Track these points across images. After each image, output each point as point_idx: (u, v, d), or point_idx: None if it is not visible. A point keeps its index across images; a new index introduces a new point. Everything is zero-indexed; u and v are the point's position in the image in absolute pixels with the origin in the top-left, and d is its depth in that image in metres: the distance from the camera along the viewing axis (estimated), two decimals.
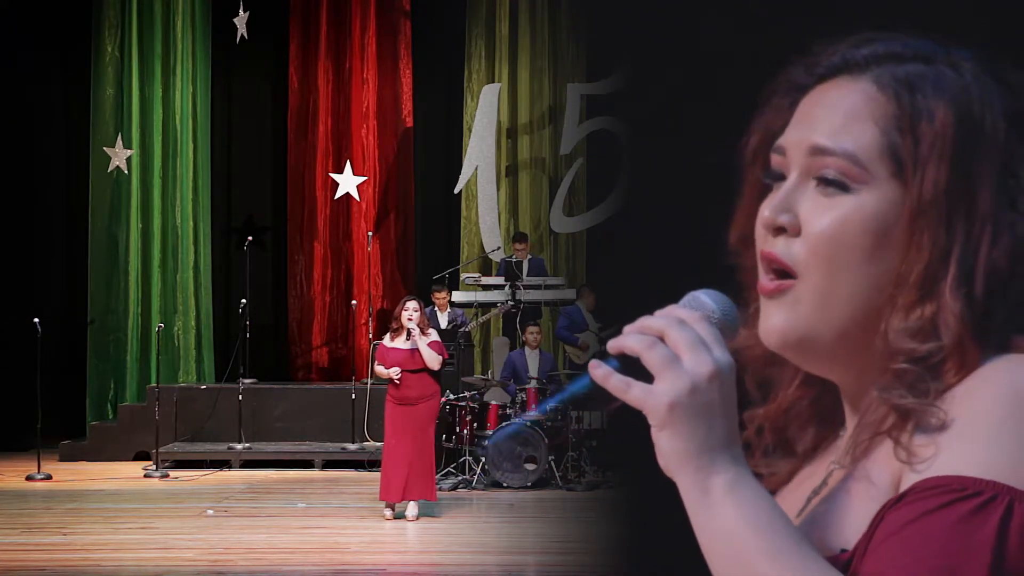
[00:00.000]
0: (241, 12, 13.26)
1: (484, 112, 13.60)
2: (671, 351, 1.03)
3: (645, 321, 1.06)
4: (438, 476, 10.31)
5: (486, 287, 12.64)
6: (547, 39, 14.03)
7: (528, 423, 10.24)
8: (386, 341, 9.01)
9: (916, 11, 1.20)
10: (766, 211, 1.13)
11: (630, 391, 1.03)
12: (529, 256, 12.80)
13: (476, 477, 10.32)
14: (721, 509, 1.01)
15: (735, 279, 1.20)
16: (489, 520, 9.22)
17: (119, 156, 13.55)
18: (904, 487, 1.02)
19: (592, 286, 11.98)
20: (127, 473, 11.36)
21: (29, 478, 10.93)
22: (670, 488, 1.05)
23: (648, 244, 1.88)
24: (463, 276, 12.97)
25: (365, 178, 13.95)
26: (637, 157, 1.94)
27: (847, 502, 1.08)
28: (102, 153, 13.64)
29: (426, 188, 14.56)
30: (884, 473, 1.06)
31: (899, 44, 1.15)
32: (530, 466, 10.25)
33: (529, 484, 10.19)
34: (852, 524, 1.06)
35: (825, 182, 1.11)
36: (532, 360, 11.16)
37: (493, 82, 13.90)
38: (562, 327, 11.83)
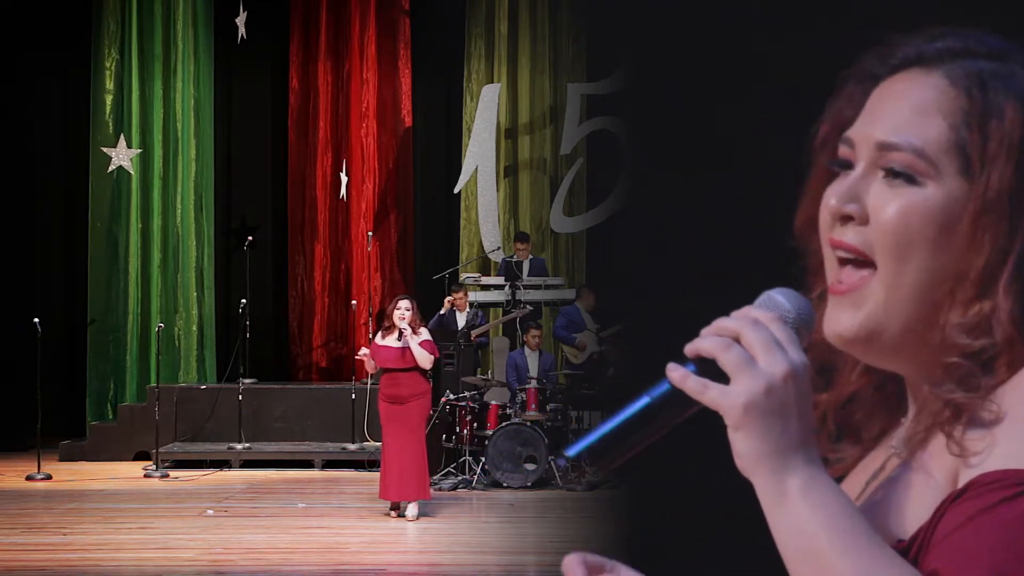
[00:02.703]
0: (241, 12, 13.27)
1: (484, 112, 13.60)
2: (747, 352, 1.04)
3: (721, 323, 1.07)
4: (438, 476, 10.33)
5: (486, 287, 12.64)
6: (547, 39, 14.03)
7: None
8: (377, 339, 9.03)
9: (988, 10, 1.21)
10: (832, 199, 1.14)
11: (707, 392, 1.04)
12: (530, 256, 12.80)
13: (476, 477, 10.32)
14: (796, 510, 1.02)
15: (799, 263, 1.22)
16: (489, 520, 9.22)
17: (122, 156, 13.56)
18: (962, 482, 1.03)
19: (591, 286, 11.99)
20: (127, 473, 11.36)
21: (29, 478, 10.93)
22: (670, 488, 1.05)
23: (648, 244, 1.89)
24: (463, 276, 12.97)
25: (347, 179, 13.92)
26: (637, 157, 1.94)
27: (906, 493, 1.10)
28: (102, 153, 13.65)
29: (426, 188, 14.57)
30: (941, 466, 1.07)
31: (973, 40, 1.15)
32: (530, 466, 10.25)
33: (529, 484, 10.19)
34: (911, 515, 1.07)
35: (892, 173, 1.11)
36: (532, 360, 11.17)
37: (493, 82, 13.90)
38: (560, 327, 11.83)
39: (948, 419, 1.07)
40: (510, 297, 12.29)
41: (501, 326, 12.68)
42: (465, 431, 10.42)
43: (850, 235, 1.13)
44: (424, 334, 8.97)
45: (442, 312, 11.93)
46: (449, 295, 12.07)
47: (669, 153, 1.86)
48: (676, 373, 1.05)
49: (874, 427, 1.24)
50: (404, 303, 8.93)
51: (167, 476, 11.09)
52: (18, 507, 9.60)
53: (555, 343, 12.22)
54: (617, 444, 1.06)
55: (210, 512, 9.23)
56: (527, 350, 11.25)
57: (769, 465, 1.03)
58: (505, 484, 10.20)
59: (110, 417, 13.23)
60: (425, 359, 8.83)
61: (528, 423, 10.29)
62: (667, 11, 1.85)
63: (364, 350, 8.96)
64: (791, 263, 1.22)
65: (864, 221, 1.12)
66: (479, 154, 13.53)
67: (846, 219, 1.13)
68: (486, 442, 10.29)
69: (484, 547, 8.11)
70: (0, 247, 13.65)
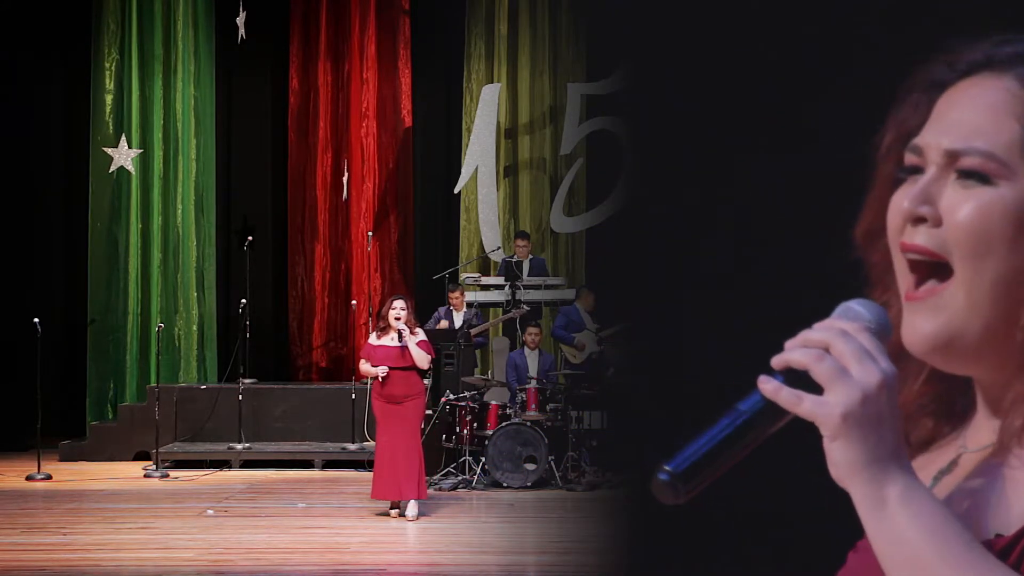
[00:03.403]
0: (241, 12, 13.27)
1: (484, 112, 13.60)
2: (839, 363, 1.05)
3: (808, 335, 1.08)
4: (438, 476, 10.33)
5: (486, 287, 12.65)
6: (547, 39, 14.03)
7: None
8: (372, 340, 9.01)
9: None
10: (905, 202, 1.14)
11: (802, 404, 1.05)
12: (530, 256, 12.80)
13: (476, 477, 10.32)
14: (897, 518, 1.04)
15: (861, 274, 1.22)
16: (489, 520, 9.22)
17: (123, 156, 13.56)
18: None
19: (590, 286, 11.99)
20: (127, 473, 11.36)
21: (29, 478, 10.93)
22: None
23: (647, 245, 1.88)
24: (463, 276, 12.97)
25: (347, 176, 13.95)
26: (637, 157, 1.94)
27: (1004, 488, 1.10)
28: (102, 153, 13.65)
29: (426, 188, 14.57)
30: None
31: None
32: (530, 466, 10.25)
33: (529, 484, 10.19)
34: (1010, 510, 1.08)
35: (965, 175, 1.12)
36: (532, 360, 11.18)
37: (493, 82, 13.90)
38: (559, 326, 11.83)
39: None
40: (510, 297, 12.29)
41: (501, 326, 12.68)
42: (465, 431, 10.42)
43: (922, 237, 1.13)
44: (420, 334, 8.98)
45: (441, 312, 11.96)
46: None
47: (669, 153, 1.86)
48: (769, 385, 1.06)
49: (924, 432, 1.25)
50: (399, 303, 8.93)
51: (167, 476, 11.09)
52: (18, 507, 9.60)
53: (555, 343, 12.22)
54: (715, 461, 1.06)
55: (210, 512, 9.23)
56: (527, 350, 11.26)
57: (867, 474, 1.04)
58: (505, 484, 10.20)
59: (110, 417, 13.23)
60: (423, 359, 8.83)
61: (528, 423, 10.29)
62: (667, 11, 1.85)
63: (383, 368, 8.83)
64: (856, 272, 1.22)
65: (937, 223, 1.12)
66: (479, 154, 13.53)
67: (918, 221, 1.13)
68: (486, 442, 10.29)
69: (484, 547, 8.11)
70: (0, 247, 13.65)
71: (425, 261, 14.19)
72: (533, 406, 10.50)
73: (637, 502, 1.82)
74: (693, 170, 1.84)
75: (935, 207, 1.12)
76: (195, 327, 13.77)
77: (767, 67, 1.69)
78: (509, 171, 14.02)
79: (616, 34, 1.99)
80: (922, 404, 1.25)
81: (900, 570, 1.03)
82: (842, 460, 1.05)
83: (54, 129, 14.23)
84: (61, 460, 12.05)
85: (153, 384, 12.73)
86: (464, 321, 11.84)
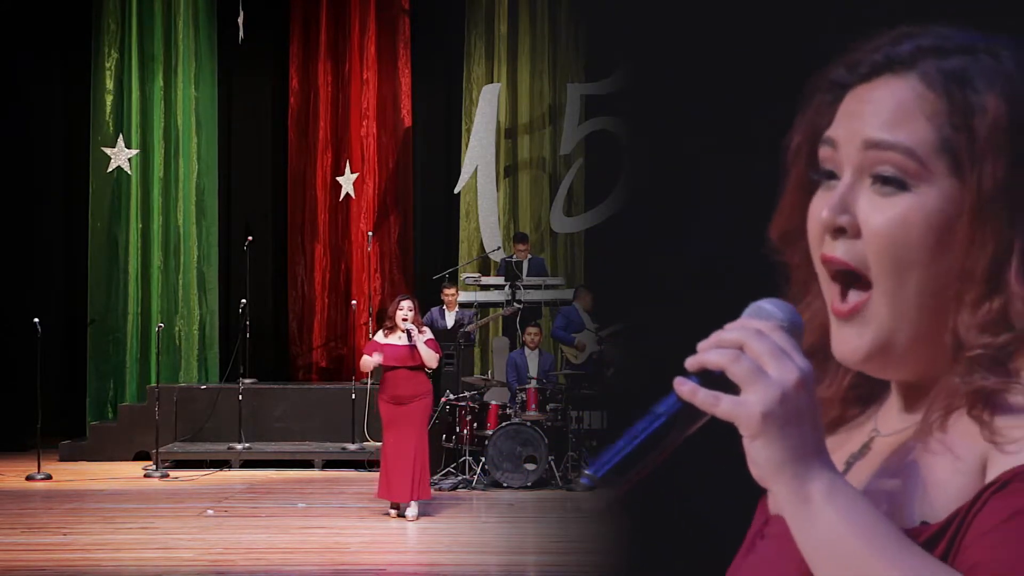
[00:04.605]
0: (240, 12, 13.27)
1: (484, 112, 13.60)
2: (755, 362, 1.03)
3: (721, 335, 1.06)
4: (438, 476, 10.33)
5: (486, 287, 12.64)
6: (547, 39, 14.03)
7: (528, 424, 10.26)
8: (379, 337, 8.99)
9: (945, 3, 1.20)
10: (824, 212, 1.12)
11: (720, 404, 1.03)
12: (529, 256, 12.80)
13: (476, 477, 10.32)
14: (823, 515, 1.02)
15: (777, 275, 1.21)
16: (489, 520, 9.22)
17: (120, 156, 13.55)
18: (993, 467, 1.02)
19: (589, 286, 11.99)
20: (127, 473, 11.36)
21: (29, 478, 10.93)
22: (670, 488, 1.05)
23: (647, 245, 1.89)
24: (463, 276, 12.97)
25: (356, 174, 13.96)
26: (637, 157, 1.94)
27: (927, 476, 1.09)
28: (102, 153, 13.65)
29: (426, 188, 14.57)
30: (968, 450, 1.06)
31: (939, 37, 1.14)
32: (530, 466, 10.25)
33: (529, 484, 10.19)
34: (935, 498, 1.07)
35: (882, 180, 1.10)
36: (532, 360, 11.17)
37: (493, 82, 13.90)
38: (558, 327, 11.83)
39: (974, 405, 1.06)
40: (510, 297, 12.29)
41: (501, 326, 12.68)
42: (465, 431, 10.42)
43: (841, 250, 1.11)
44: (428, 333, 8.99)
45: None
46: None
47: (669, 153, 1.86)
48: (685, 387, 1.04)
49: (831, 416, 1.23)
50: (407, 303, 8.92)
51: (167, 476, 11.09)
52: (18, 507, 9.60)
53: (555, 343, 12.22)
54: (634, 464, 1.05)
55: (210, 512, 9.23)
56: (527, 350, 11.26)
57: (789, 472, 1.03)
58: (505, 484, 10.20)
59: (110, 417, 13.23)
60: (432, 358, 8.83)
61: (528, 423, 10.29)
62: (667, 11, 1.85)
63: (378, 356, 8.84)
64: (773, 275, 1.21)
65: (856, 233, 1.11)
66: (479, 154, 13.53)
67: (838, 232, 1.11)
68: (486, 442, 10.29)
69: (484, 547, 8.11)
70: (0, 247, 13.65)
71: (425, 261, 14.19)
72: (533, 406, 10.50)
73: (637, 502, 1.82)
74: (693, 170, 1.84)
75: (853, 216, 1.10)
76: (195, 327, 13.76)
77: (768, 67, 1.69)
78: (509, 171, 14.02)
79: (616, 34, 1.99)
80: (839, 398, 1.23)
81: (827, 566, 1.01)
82: (763, 459, 1.03)
83: (54, 129, 14.22)
84: (61, 460, 12.05)
85: (153, 384, 12.73)
86: (456, 320, 11.84)
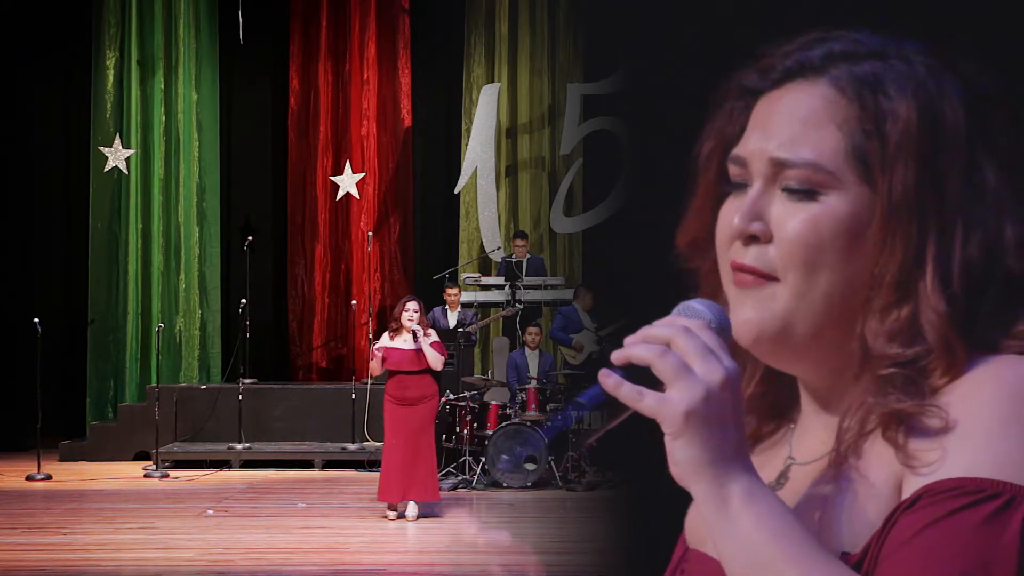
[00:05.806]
0: (240, 12, 13.27)
1: (484, 112, 13.60)
2: (681, 359, 1.02)
3: (649, 331, 1.04)
4: (438, 476, 10.33)
5: (486, 287, 12.64)
6: (547, 39, 14.03)
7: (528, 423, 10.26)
8: (385, 341, 8.97)
9: (857, 6, 1.18)
10: (735, 220, 1.10)
11: (643, 400, 1.02)
12: (528, 255, 12.79)
13: (476, 477, 10.32)
14: (741, 518, 1.00)
15: (687, 282, 1.19)
16: (489, 520, 9.21)
17: (117, 156, 13.55)
18: (910, 490, 1.00)
19: (588, 286, 11.98)
20: (127, 473, 11.36)
21: (29, 478, 10.93)
22: (670, 488, 1.05)
23: (646, 245, 1.88)
24: (463, 276, 12.98)
25: (363, 174, 13.97)
26: (636, 157, 1.94)
27: (844, 504, 1.07)
28: (102, 153, 13.64)
29: (426, 188, 14.57)
30: (883, 474, 1.04)
31: (851, 42, 1.12)
32: (530, 466, 10.25)
33: (529, 484, 10.19)
34: (854, 527, 1.05)
35: (791, 191, 1.09)
36: (532, 360, 11.17)
37: (493, 82, 13.90)
38: (557, 328, 11.82)
39: (888, 428, 1.04)
40: (510, 297, 12.29)
41: (501, 326, 12.68)
42: (465, 431, 10.42)
43: (751, 256, 1.10)
44: (433, 335, 8.97)
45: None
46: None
47: (668, 153, 1.86)
48: (610, 380, 1.03)
49: (746, 428, 1.19)
50: (412, 304, 8.91)
51: (167, 476, 11.09)
52: (18, 507, 9.60)
53: (555, 343, 12.23)
54: (561, 448, 1.04)
55: (210, 512, 9.23)
56: (527, 350, 11.26)
57: (710, 473, 1.01)
58: (505, 484, 10.20)
59: (110, 417, 13.23)
60: (437, 360, 8.82)
61: (528, 423, 10.29)
62: (666, 11, 1.85)
63: (375, 362, 8.84)
64: (678, 283, 1.19)
65: (768, 239, 1.09)
66: (479, 154, 13.53)
67: (750, 240, 1.10)
68: (486, 442, 10.29)
69: (484, 547, 8.10)
70: (0, 247, 13.65)
71: (425, 261, 14.19)
72: (533, 406, 10.50)
73: (637, 502, 1.82)
74: (692, 170, 1.83)
75: (766, 223, 1.09)
76: (196, 327, 13.76)
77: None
78: (509, 171, 14.02)
79: (615, 34, 1.99)
80: (752, 404, 1.22)
81: (744, 571, 1.00)
82: (684, 459, 1.01)
83: (54, 129, 14.22)
84: (61, 460, 12.05)
85: (153, 384, 12.73)
86: (458, 320, 11.84)
